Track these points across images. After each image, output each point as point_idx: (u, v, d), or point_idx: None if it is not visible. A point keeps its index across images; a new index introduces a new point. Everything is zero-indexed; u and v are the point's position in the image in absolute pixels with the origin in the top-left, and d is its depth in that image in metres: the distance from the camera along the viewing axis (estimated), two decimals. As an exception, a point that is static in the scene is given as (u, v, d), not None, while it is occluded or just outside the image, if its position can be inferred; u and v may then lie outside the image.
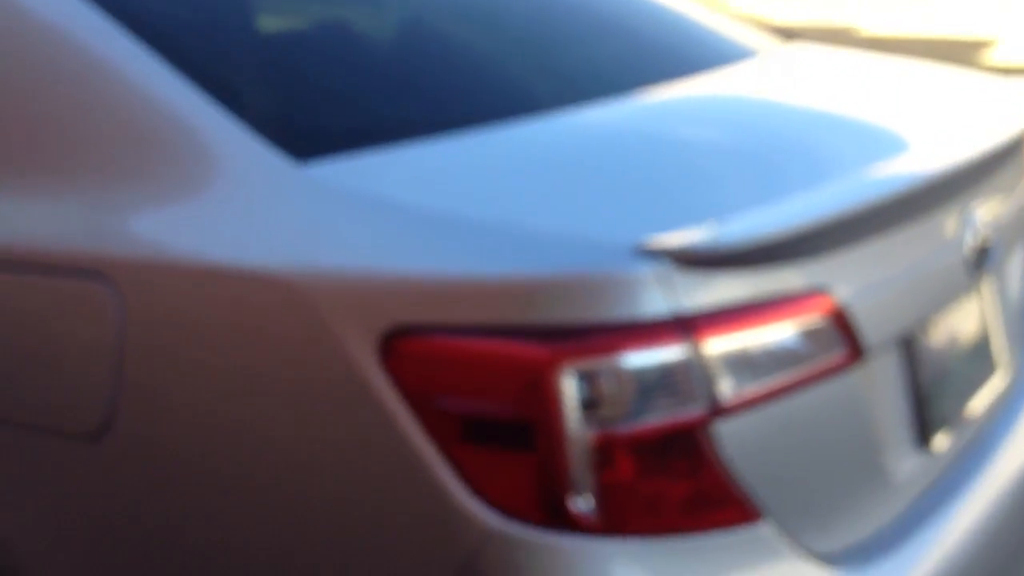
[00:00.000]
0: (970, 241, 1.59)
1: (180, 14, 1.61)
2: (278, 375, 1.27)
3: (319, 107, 1.49)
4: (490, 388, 1.21)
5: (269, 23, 1.73)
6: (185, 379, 1.31)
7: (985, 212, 1.66)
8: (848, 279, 1.37)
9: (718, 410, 1.25)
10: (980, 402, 1.64)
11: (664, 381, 1.22)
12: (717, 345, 1.25)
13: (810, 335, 1.32)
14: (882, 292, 1.41)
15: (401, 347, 1.23)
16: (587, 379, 1.20)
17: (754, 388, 1.27)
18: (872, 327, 1.39)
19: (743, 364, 1.27)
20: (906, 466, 1.46)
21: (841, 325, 1.35)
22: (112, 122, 1.43)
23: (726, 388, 1.25)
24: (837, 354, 1.34)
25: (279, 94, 1.49)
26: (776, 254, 1.29)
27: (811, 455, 1.33)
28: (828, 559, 1.32)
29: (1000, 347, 1.74)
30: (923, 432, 1.50)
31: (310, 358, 1.25)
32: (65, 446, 1.39)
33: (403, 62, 1.66)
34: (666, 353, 1.22)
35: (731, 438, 1.25)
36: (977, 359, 1.65)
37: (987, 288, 1.71)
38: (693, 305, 1.24)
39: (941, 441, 1.53)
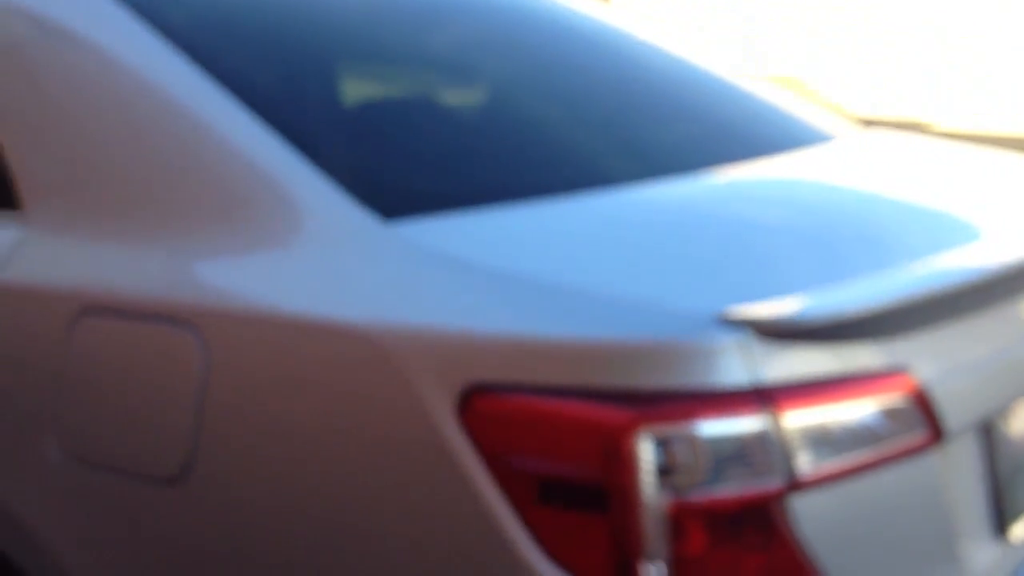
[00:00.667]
0: None
1: (274, 71, 1.66)
2: (357, 429, 1.28)
3: (407, 168, 1.53)
4: (566, 449, 1.21)
5: (360, 85, 1.78)
6: (265, 429, 1.33)
7: None
8: (930, 360, 1.36)
9: (795, 484, 1.24)
10: None
11: (741, 452, 1.22)
12: (796, 418, 1.24)
13: (890, 414, 1.31)
14: (963, 376, 1.40)
15: (479, 405, 1.24)
16: (664, 445, 1.20)
17: (832, 464, 1.26)
18: (952, 410, 1.37)
19: (821, 439, 1.26)
20: (982, 556, 1.43)
21: (922, 406, 1.34)
22: (205, 174, 1.47)
23: (803, 462, 1.24)
24: (917, 435, 1.33)
25: (369, 153, 1.53)
26: (859, 331, 1.29)
27: (885, 537, 1.31)
28: None
29: None
30: (1000, 521, 1.47)
31: (389, 413, 1.27)
32: (144, 489, 1.41)
33: (488, 129, 1.69)
34: (744, 423, 1.22)
35: (806, 514, 1.24)
36: None
37: None
38: (773, 377, 1.24)
39: (1018, 531, 1.50)
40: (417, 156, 1.58)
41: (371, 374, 1.28)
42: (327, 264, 1.36)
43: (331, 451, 1.30)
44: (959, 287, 1.37)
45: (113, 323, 1.45)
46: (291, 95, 1.63)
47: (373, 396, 1.28)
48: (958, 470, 1.41)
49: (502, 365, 1.24)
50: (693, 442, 1.21)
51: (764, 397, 1.23)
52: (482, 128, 1.71)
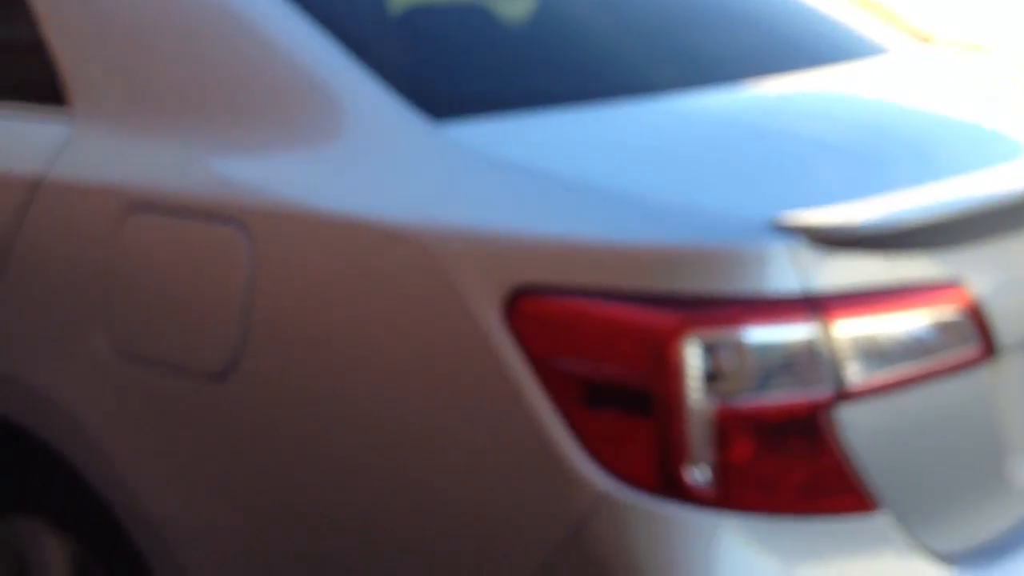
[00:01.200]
0: None
1: None
2: (403, 329, 1.28)
3: (457, 69, 1.51)
4: (613, 353, 1.20)
5: None
6: (311, 326, 1.34)
7: None
8: (985, 274, 1.33)
9: (843, 394, 1.22)
10: None
11: (789, 360, 1.21)
12: (846, 328, 1.23)
13: (943, 327, 1.29)
14: (1018, 291, 1.37)
15: (526, 306, 1.23)
16: (711, 350, 1.19)
17: (882, 375, 1.24)
18: (1005, 325, 1.35)
19: (872, 350, 1.24)
20: None
21: (975, 319, 1.31)
22: (253, 72, 1.46)
23: (853, 373, 1.23)
24: (969, 349, 1.31)
25: (419, 54, 1.51)
26: (913, 241, 1.27)
27: (933, 451, 1.29)
28: (944, 558, 1.29)
29: None
30: None
31: (435, 314, 1.26)
32: (191, 384, 1.42)
33: (539, 33, 1.66)
34: (794, 331, 1.20)
35: (853, 425, 1.23)
36: None
37: None
38: (825, 285, 1.22)
39: None
40: (466, 58, 1.55)
41: (417, 274, 1.28)
42: (375, 164, 1.35)
43: (376, 350, 1.30)
44: (1015, 200, 1.33)
45: (160, 220, 1.45)
46: None
47: (419, 297, 1.27)
48: (1008, 386, 1.39)
49: (549, 267, 1.23)
50: (741, 348, 1.19)
51: (814, 305, 1.21)
52: (531, 32, 1.68)
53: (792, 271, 1.21)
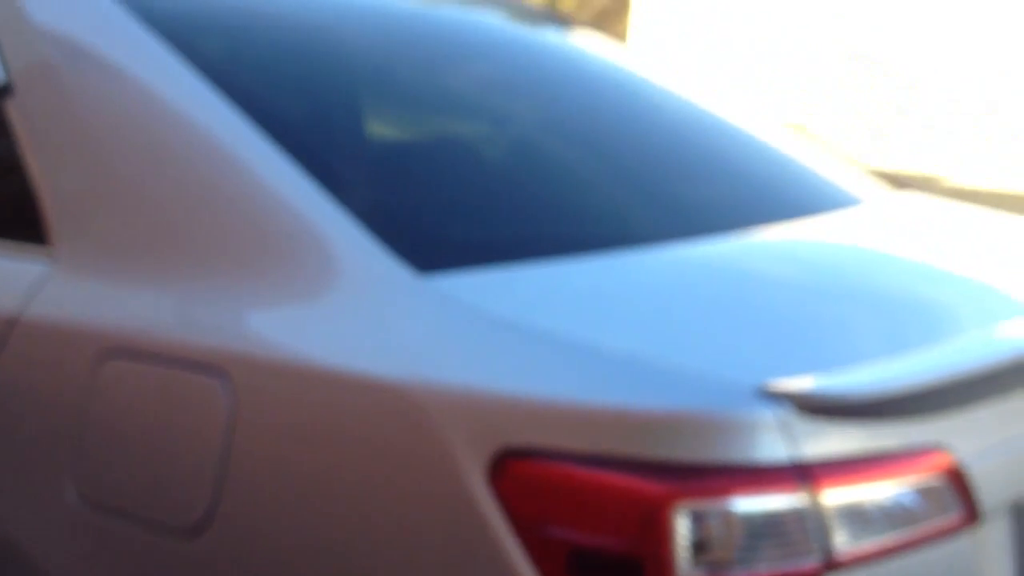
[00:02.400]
0: None
1: (314, 119, 1.65)
2: (386, 486, 1.26)
3: (443, 220, 1.51)
4: (601, 520, 1.19)
5: (396, 130, 1.77)
6: (291, 481, 1.31)
7: None
8: (968, 439, 1.34)
9: (832, 564, 1.21)
10: None
11: (779, 529, 1.20)
12: (834, 496, 1.22)
13: (927, 493, 1.29)
14: (1000, 455, 1.37)
15: (513, 469, 1.22)
16: (700, 520, 1.18)
17: (869, 544, 1.23)
18: (988, 490, 1.35)
19: (859, 518, 1.24)
20: None
21: (959, 485, 1.31)
22: (239, 218, 1.46)
23: (841, 542, 1.22)
24: (953, 515, 1.31)
25: (405, 204, 1.52)
26: (899, 408, 1.27)
27: None
28: None
29: None
30: None
31: (420, 471, 1.25)
32: (162, 539, 1.38)
33: (525, 181, 1.68)
34: (782, 500, 1.19)
35: None
36: None
37: None
38: (812, 453, 1.21)
39: None
40: (452, 206, 1.56)
41: (403, 430, 1.26)
42: (361, 316, 1.34)
43: (358, 506, 1.27)
44: (999, 365, 1.35)
45: (138, 366, 1.43)
46: (327, 141, 1.62)
47: (404, 453, 1.26)
48: (990, 551, 1.39)
49: (537, 429, 1.21)
50: (730, 518, 1.18)
51: (803, 474, 1.21)
52: (516, 178, 1.70)
53: (780, 439, 1.20)
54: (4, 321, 1.54)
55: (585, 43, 2.31)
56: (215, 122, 1.52)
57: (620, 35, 13.53)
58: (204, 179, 1.49)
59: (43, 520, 1.47)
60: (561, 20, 2.50)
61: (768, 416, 1.20)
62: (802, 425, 1.21)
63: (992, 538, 1.39)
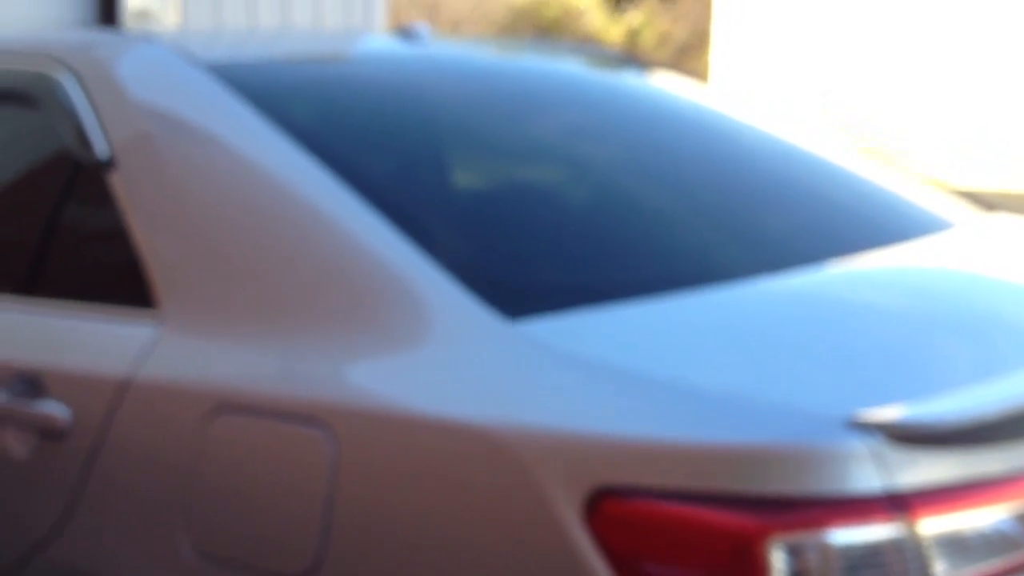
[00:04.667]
0: None
1: (397, 168, 1.71)
2: (486, 531, 1.29)
3: (529, 264, 1.55)
4: (697, 555, 1.20)
5: (479, 178, 1.82)
6: (394, 529, 1.35)
7: None
8: None
9: None
10: None
11: (876, 560, 1.19)
12: (931, 526, 1.22)
13: None
14: None
15: (607, 508, 1.24)
16: (796, 553, 1.19)
17: (969, 572, 1.23)
18: None
19: (957, 547, 1.23)
20: None
21: None
22: (334, 275, 1.51)
23: (940, 571, 1.21)
24: None
25: (493, 252, 1.56)
26: (993, 433, 1.26)
27: None
28: None
29: None
30: None
31: (518, 515, 1.27)
32: None
33: (606, 221, 1.71)
34: (879, 531, 1.19)
35: None
36: None
37: None
38: (907, 483, 1.21)
39: None
40: (538, 251, 1.60)
41: (499, 476, 1.29)
42: (454, 364, 1.38)
43: (460, 551, 1.30)
44: None
45: (245, 420, 1.48)
46: (416, 193, 1.67)
47: (501, 496, 1.29)
48: None
49: (630, 468, 1.23)
50: (826, 550, 1.19)
51: (898, 504, 1.21)
52: (600, 220, 1.73)
53: (873, 469, 1.21)
54: (118, 382, 1.61)
55: (663, 83, 2.34)
56: (306, 184, 1.59)
57: (701, 70, 13.53)
58: (298, 238, 1.55)
59: (159, 572, 1.53)
60: (639, 62, 2.54)
61: (860, 446, 1.20)
62: (895, 454, 1.21)
63: None
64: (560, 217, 1.70)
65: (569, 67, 2.36)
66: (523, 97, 2.05)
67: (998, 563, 1.25)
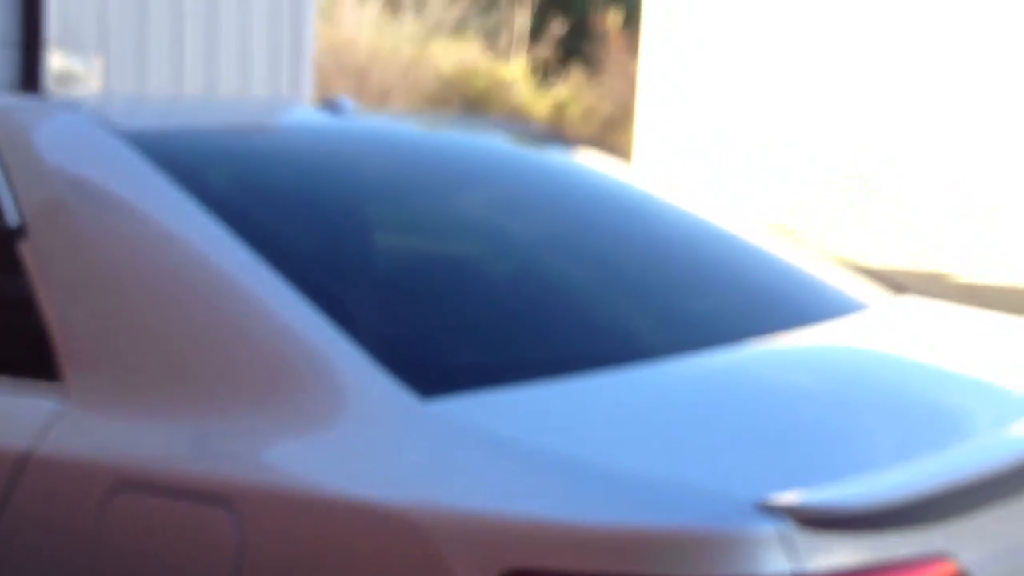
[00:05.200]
0: None
1: (318, 249, 1.70)
2: None
3: (445, 343, 1.54)
4: None
5: (401, 257, 1.81)
6: None
7: None
8: (973, 545, 1.34)
9: None
10: None
11: None
12: None
13: None
14: (1007, 561, 1.37)
15: None
16: None
17: None
18: None
19: None
20: None
21: None
22: (248, 351, 1.49)
23: None
24: None
25: (407, 328, 1.55)
26: (901, 518, 1.28)
27: None
28: None
29: None
30: None
31: None
32: None
33: (527, 301, 1.71)
34: None
35: None
36: None
37: None
38: (815, 567, 1.22)
39: None
40: (455, 329, 1.59)
41: (409, 557, 1.27)
42: (365, 443, 1.36)
43: None
44: (1003, 469, 1.35)
45: (148, 499, 1.45)
46: (330, 266, 1.66)
47: None
48: None
49: (541, 550, 1.22)
50: None
51: None
52: (519, 298, 1.73)
53: (782, 553, 1.21)
54: (18, 456, 1.57)
55: (586, 161, 2.37)
56: (222, 256, 1.57)
57: (626, 144, 13.75)
58: (212, 313, 1.53)
59: None
60: (560, 139, 2.57)
61: (769, 530, 1.20)
62: (803, 538, 1.22)
63: None
64: (478, 294, 1.70)
65: (490, 143, 2.38)
66: (443, 172, 2.06)
67: None
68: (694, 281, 1.94)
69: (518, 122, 2.65)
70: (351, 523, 1.31)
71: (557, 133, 2.62)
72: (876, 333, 1.87)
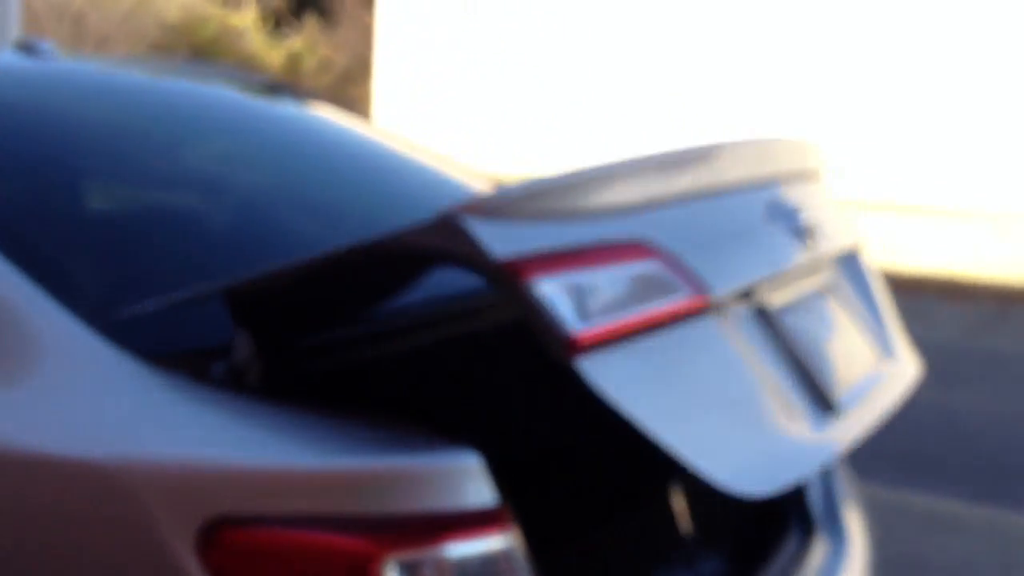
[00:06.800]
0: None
1: (9, 194, 1.61)
2: (99, 566, 1.23)
3: (144, 294, 1.50)
4: None
5: (93, 211, 1.74)
6: (6, 568, 1.26)
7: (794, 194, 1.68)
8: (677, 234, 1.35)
9: None
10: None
11: (491, 570, 1.24)
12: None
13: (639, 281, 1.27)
14: (716, 248, 1.41)
15: (225, 539, 1.21)
16: (412, 571, 1.21)
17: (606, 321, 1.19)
18: (716, 279, 1.36)
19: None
20: (800, 426, 1.39)
21: (678, 272, 1.32)
22: None
23: None
24: (680, 298, 1.29)
25: (105, 279, 1.49)
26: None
27: (695, 394, 1.26)
28: None
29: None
30: (817, 395, 1.47)
31: (131, 551, 1.22)
32: None
33: (231, 250, 1.68)
34: (492, 542, 1.24)
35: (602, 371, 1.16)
36: None
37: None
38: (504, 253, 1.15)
39: (839, 400, 1.50)
40: (155, 279, 1.55)
41: (111, 510, 1.24)
42: (63, 397, 1.31)
43: None
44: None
45: None
46: (20, 215, 1.57)
47: (114, 533, 1.23)
48: (740, 333, 1.40)
49: (244, 497, 1.22)
50: (442, 565, 1.22)
51: (508, 515, 1.26)
52: (222, 247, 1.71)
53: (485, 484, 1.25)
54: None
55: (307, 110, 2.34)
56: None
57: (364, 97, 13.61)
58: None
59: None
60: (284, 88, 2.52)
61: (469, 463, 1.24)
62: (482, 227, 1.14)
63: (737, 322, 1.39)
64: (178, 246, 1.65)
65: (200, 87, 2.31)
66: (150, 118, 1.99)
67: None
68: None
69: (245, 71, 2.58)
70: (53, 481, 1.26)
71: (282, 82, 2.58)
72: None
